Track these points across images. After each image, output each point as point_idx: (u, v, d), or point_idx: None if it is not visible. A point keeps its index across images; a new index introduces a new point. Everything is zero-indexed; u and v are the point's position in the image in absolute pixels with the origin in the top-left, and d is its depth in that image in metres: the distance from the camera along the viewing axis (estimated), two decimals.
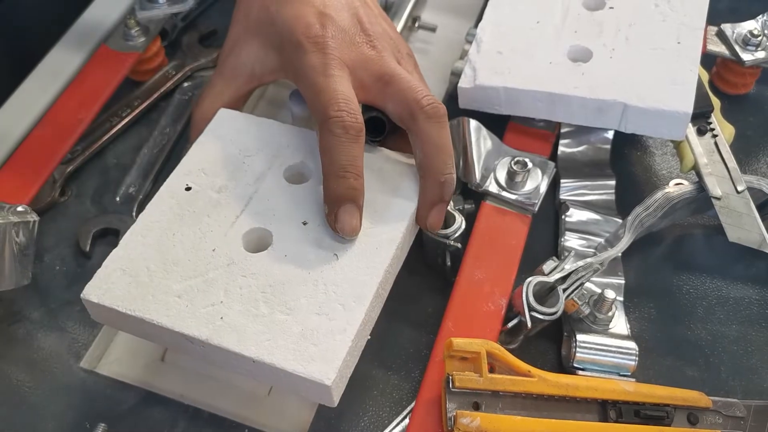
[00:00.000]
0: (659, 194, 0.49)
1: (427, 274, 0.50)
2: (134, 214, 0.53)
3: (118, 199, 0.53)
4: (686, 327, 0.49)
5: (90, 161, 0.56)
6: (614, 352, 0.45)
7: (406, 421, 0.43)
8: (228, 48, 0.49)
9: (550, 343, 0.48)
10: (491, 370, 0.41)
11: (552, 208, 0.53)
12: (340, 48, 0.44)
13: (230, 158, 0.46)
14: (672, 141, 0.53)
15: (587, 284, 0.47)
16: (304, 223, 0.43)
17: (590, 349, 0.45)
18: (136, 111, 0.57)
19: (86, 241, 0.51)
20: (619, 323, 0.47)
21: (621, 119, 0.49)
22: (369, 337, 0.41)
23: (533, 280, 0.44)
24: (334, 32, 0.44)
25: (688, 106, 0.47)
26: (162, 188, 0.45)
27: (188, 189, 0.44)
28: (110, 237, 0.52)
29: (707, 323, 0.49)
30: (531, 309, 0.44)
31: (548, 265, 0.46)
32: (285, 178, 0.45)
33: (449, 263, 0.48)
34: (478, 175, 0.50)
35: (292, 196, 0.44)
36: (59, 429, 0.44)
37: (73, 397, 0.46)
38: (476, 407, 0.40)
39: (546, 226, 0.52)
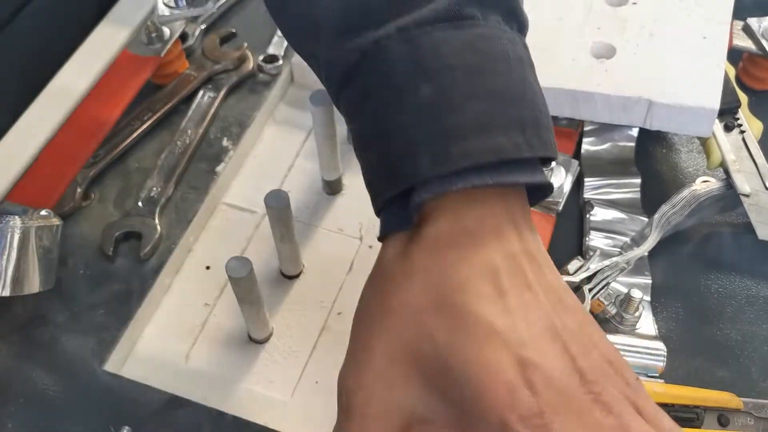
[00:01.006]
0: (686, 191, 0.48)
1: None
2: (156, 217, 0.53)
3: (140, 203, 0.54)
4: (715, 327, 0.48)
5: (112, 165, 0.56)
6: (642, 353, 0.45)
7: None
8: (365, 382, 0.31)
9: None
10: None
11: (576, 208, 0.53)
12: (566, 427, 0.28)
13: None
14: (698, 138, 0.52)
15: (613, 284, 0.46)
16: None
17: (619, 350, 0.44)
18: (158, 114, 0.57)
19: (109, 244, 0.51)
20: (647, 323, 0.46)
21: (646, 116, 0.48)
22: None
23: None
24: (550, 398, 0.28)
25: (714, 102, 0.47)
26: None
27: None
28: (133, 240, 0.52)
29: (737, 323, 0.48)
30: None
31: (573, 265, 0.45)
32: None
33: None
34: None
35: None
36: None
37: (98, 401, 0.46)
38: None
39: (570, 226, 0.52)
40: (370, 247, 0.55)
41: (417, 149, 0.31)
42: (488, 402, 0.28)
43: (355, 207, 0.56)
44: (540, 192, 0.34)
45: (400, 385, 0.31)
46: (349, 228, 0.55)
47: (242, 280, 0.44)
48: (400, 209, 0.32)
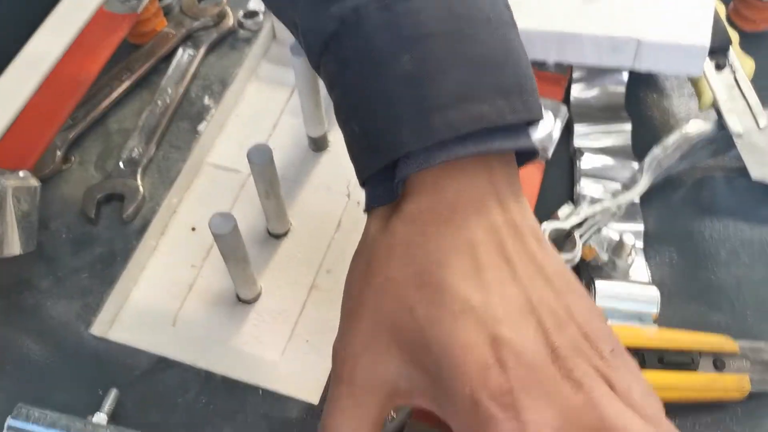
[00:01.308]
0: (677, 134, 0.47)
1: None
2: (138, 178, 0.52)
3: (121, 164, 0.52)
4: (710, 272, 0.47)
5: (92, 127, 0.55)
6: (635, 299, 0.44)
7: None
8: (352, 351, 0.33)
9: None
10: None
11: (566, 154, 0.52)
12: (535, 404, 0.28)
13: None
14: (689, 78, 0.51)
15: (606, 231, 0.46)
16: None
17: (610, 296, 0.44)
18: (137, 74, 0.56)
19: (91, 207, 0.50)
20: (640, 270, 0.45)
21: (635, 57, 0.47)
22: None
23: (548, 226, 0.43)
24: (521, 375, 0.28)
25: (705, 39, 0.45)
26: None
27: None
28: (115, 202, 0.51)
29: (731, 267, 0.47)
30: None
31: (563, 211, 0.44)
32: None
33: None
34: None
35: None
36: (71, 397, 0.43)
37: (85, 365, 0.45)
38: None
39: (560, 173, 0.51)
40: (359, 203, 0.54)
41: (398, 121, 0.30)
42: (461, 378, 0.29)
43: (342, 163, 0.55)
44: (528, 155, 0.33)
45: (384, 356, 0.31)
46: (337, 185, 0.54)
47: (226, 237, 0.43)
48: (384, 181, 0.32)
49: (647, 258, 0.47)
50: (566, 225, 0.43)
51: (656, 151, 0.47)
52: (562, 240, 0.43)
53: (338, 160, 0.55)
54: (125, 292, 0.49)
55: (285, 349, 0.48)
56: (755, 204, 0.50)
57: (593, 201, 0.45)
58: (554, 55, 0.49)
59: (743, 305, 0.46)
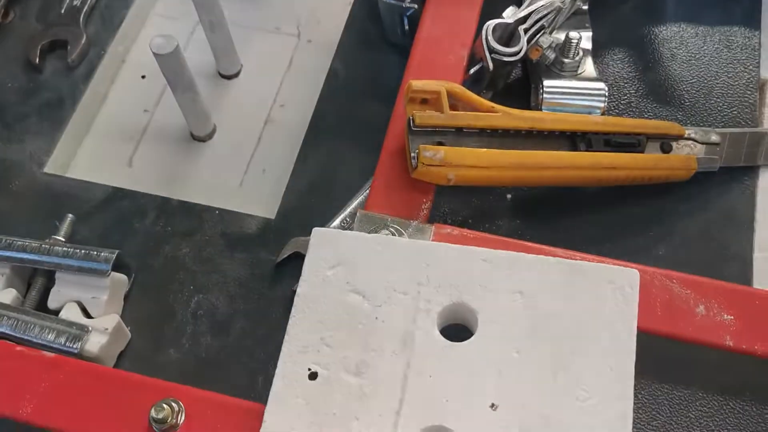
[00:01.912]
0: None
1: (388, 51, 0.49)
2: (81, 24, 0.51)
3: (63, 11, 0.51)
4: (656, 71, 0.47)
5: None
6: (583, 94, 0.44)
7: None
8: None
9: (518, 100, 0.46)
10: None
11: None
12: None
13: (356, 312, 0.32)
14: None
15: (554, 35, 0.45)
16: (493, 407, 0.30)
17: (558, 92, 0.44)
18: None
19: (34, 54, 0.49)
20: (588, 68, 0.45)
21: None
22: None
23: (492, 23, 0.43)
24: None
25: None
26: (276, 380, 0.31)
27: (314, 376, 0.31)
28: (59, 51, 0.50)
29: (682, 64, 0.47)
30: (492, 51, 0.42)
31: (509, 11, 0.44)
32: (442, 332, 0.32)
33: (407, 28, 0.46)
34: None
35: (462, 363, 0.31)
36: (29, 230, 0.43)
37: (39, 201, 0.45)
38: (440, 145, 0.39)
39: None
40: (309, 41, 0.53)
41: None
42: None
43: (293, 3, 0.54)
44: None
45: None
46: (287, 25, 0.54)
47: (169, 57, 0.43)
48: None
49: (595, 61, 0.46)
50: (510, 20, 0.43)
51: None
52: (507, 38, 0.43)
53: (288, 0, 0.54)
54: (78, 136, 0.49)
55: (242, 181, 0.48)
56: (707, 5, 0.49)
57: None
58: None
59: (691, 99, 0.46)
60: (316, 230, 0.35)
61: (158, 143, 0.49)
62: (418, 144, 0.39)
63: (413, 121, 0.39)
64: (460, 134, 0.40)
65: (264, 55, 0.53)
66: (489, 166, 0.39)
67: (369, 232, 0.37)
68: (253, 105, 0.51)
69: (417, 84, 0.39)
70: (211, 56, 0.51)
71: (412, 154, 0.39)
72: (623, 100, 0.46)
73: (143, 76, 0.52)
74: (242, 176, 0.48)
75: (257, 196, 0.47)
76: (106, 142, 0.49)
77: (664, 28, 0.49)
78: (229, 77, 0.52)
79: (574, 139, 0.41)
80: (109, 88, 0.51)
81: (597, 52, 0.47)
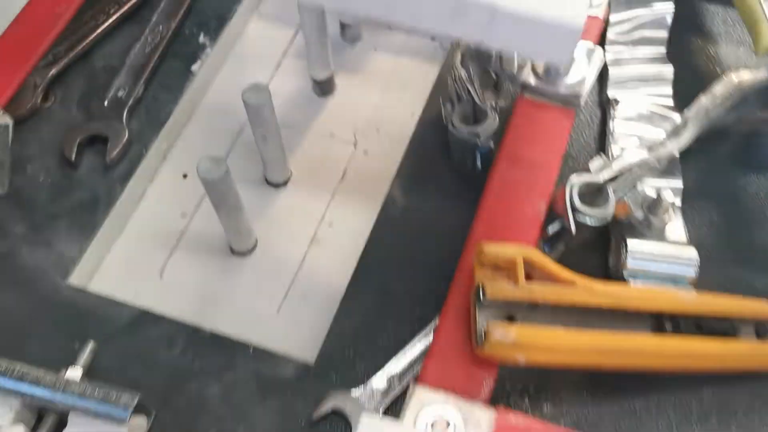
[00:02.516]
0: (728, 82, 0.42)
1: (455, 180, 0.44)
2: (124, 119, 0.47)
3: (106, 103, 0.48)
4: (753, 234, 0.43)
5: (75, 64, 0.50)
6: (671, 260, 0.39)
7: (430, 338, 0.38)
8: None
9: (595, 254, 0.42)
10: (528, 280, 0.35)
11: (599, 103, 0.47)
12: None
13: None
14: (744, 21, 0.45)
15: (640, 187, 0.41)
16: None
17: (643, 257, 0.39)
18: (125, 7, 0.51)
19: (72, 149, 0.46)
20: (677, 229, 0.40)
21: (486, 29, 0.31)
22: None
23: (577, 180, 0.38)
24: None
25: (578, 20, 0.28)
26: None
27: None
28: (99, 145, 0.47)
29: None
30: (575, 211, 0.38)
31: (595, 164, 0.39)
32: None
33: (480, 166, 0.42)
34: (514, 66, 0.43)
35: None
36: (46, 350, 0.40)
37: (61, 316, 0.41)
38: (511, 320, 0.35)
39: (593, 123, 0.46)
40: (365, 152, 0.49)
41: None
42: None
43: (349, 109, 0.50)
44: None
45: None
46: (342, 132, 0.50)
47: (216, 183, 0.39)
48: None
49: (685, 217, 0.42)
50: (598, 179, 0.38)
51: (704, 101, 0.41)
52: (593, 195, 0.39)
53: (345, 105, 0.50)
54: (108, 241, 0.45)
55: (281, 306, 0.44)
56: None
57: (629, 154, 0.40)
58: (380, 8, 0.32)
59: None
60: (365, 417, 0.31)
61: (194, 253, 0.45)
62: (487, 318, 0.34)
63: (483, 293, 0.34)
64: (534, 308, 0.35)
65: (316, 163, 0.49)
66: (564, 351, 0.34)
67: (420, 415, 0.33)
68: (299, 220, 0.47)
69: (490, 249, 0.35)
70: (260, 162, 0.47)
71: (479, 328, 0.34)
72: (712, 265, 0.41)
73: (185, 175, 0.48)
74: (281, 302, 0.44)
75: (295, 328, 0.42)
76: (137, 248, 0.46)
77: (761, 180, 0.44)
78: (276, 185, 0.48)
79: (661, 320, 0.36)
80: (147, 187, 0.48)
81: (686, 204, 0.43)
